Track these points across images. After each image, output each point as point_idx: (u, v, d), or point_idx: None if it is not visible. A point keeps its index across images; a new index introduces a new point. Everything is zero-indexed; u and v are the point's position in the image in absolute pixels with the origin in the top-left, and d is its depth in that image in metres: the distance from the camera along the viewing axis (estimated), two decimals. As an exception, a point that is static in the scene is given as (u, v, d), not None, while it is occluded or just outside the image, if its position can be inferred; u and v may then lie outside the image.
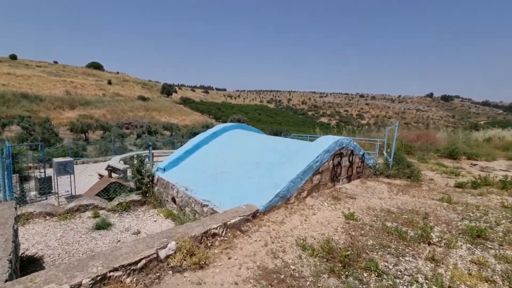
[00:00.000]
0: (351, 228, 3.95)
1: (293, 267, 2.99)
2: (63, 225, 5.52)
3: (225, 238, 3.60)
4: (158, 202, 6.63)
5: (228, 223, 3.74)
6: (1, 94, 41.66)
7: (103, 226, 5.39)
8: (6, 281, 2.42)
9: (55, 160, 8.06)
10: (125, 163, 12.96)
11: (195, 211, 5.48)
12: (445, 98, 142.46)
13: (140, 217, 6.13)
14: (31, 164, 11.78)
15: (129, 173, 9.38)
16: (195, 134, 36.90)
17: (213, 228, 3.55)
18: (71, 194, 8.60)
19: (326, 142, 5.68)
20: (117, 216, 6.05)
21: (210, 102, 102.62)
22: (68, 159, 8.32)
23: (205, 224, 3.59)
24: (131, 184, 6.96)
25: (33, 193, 8.74)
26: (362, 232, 3.86)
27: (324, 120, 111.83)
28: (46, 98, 48.73)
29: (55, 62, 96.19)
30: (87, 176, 12.06)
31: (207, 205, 5.21)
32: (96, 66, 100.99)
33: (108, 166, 11.40)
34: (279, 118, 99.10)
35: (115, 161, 11.68)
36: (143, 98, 72.58)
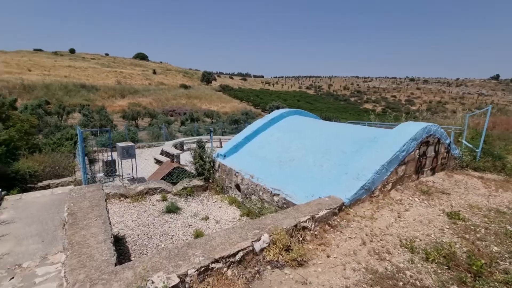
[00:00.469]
0: (462, 230, 3.37)
1: (409, 273, 2.58)
2: (136, 207, 5.77)
3: (315, 233, 3.30)
4: (220, 188, 6.64)
5: (316, 216, 3.43)
6: (64, 84, 46.38)
7: (172, 209, 5.52)
8: (115, 264, 2.42)
9: (119, 144, 8.49)
10: (175, 148, 13.45)
11: (263, 199, 5.29)
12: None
13: (205, 202, 6.18)
14: (95, 148, 12.83)
15: (189, 158, 9.62)
16: (235, 121, 37.21)
17: (303, 221, 3.26)
18: (133, 176, 9.09)
19: (412, 129, 5.00)
20: (183, 200, 6.17)
21: (248, 89, 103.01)
22: (130, 143, 8.72)
23: (294, 216, 3.33)
24: (192, 169, 7.07)
25: (99, 174, 9.44)
26: (478, 236, 3.27)
27: (368, 106, 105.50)
28: (100, 88, 53.11)
29: (106, 54, 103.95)
30: (144, 160, 12.78)
31: (278, 194, 4.97)
32: (142, 56, 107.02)
33: (162, 151, 11.88)
34: (319, 104, 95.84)
35: (168, 146, 12.11)
36: (185, 87, 75.41)
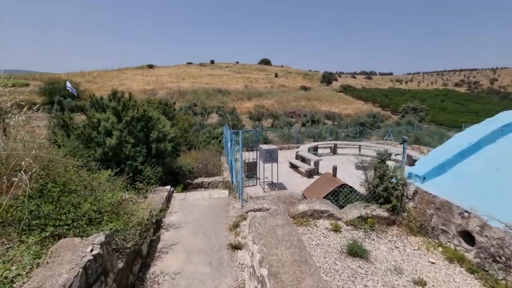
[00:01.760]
0: None
1: None
2: (303, 234, 4.44)
3: None
4: (418, 226, 4.58)
5: None
6: (206, 90, 55.68)
7: (358, 252, 3.82)
8: None
9: (263, 147, 8.32)
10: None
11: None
12: None
13: (400, 247, 4.18)
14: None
15: (326, 164, 8.50)
16: (361, 124, 33.52)
17: None
18: (272, 181, 8.79)
19: None
20: (363, 236, 4.40)
21: (374, 89, 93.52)
22: (273, 147, 8.43)
23: None
24: (363, 190, 5.41)
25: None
26: None
27: (561, 107, 74.47)
28: (232, 92, 60.64)
29: (237, 62, 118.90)
30: (278, 163, 12.74)
31: None
32: (266, 62, 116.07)
33: (297, 155, 11.32)
34: (474, 105, 75.56)
35: (304, 150, 11.42)
36: (304, 88, 76.07)
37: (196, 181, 7.27)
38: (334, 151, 13.31)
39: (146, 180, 4.76)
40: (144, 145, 6.13)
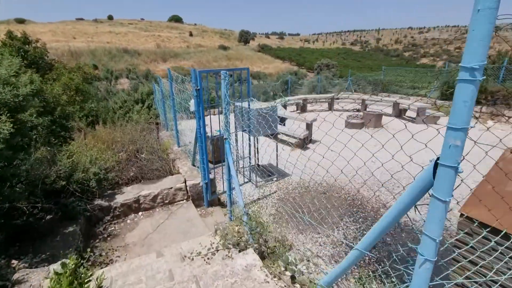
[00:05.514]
0: None
1: None
2: None
3: None
4: None
5: None
6: (107, 50, 44.12)
7: None
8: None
9: (255, 105, 4.48)
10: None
11: None
12: None
13: None
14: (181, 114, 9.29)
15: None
16: (286, 82, 31.93)
17: None
18: (257, 164, 5.21)
19: None
20: None
21: (288, 48, 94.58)
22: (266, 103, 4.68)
23: None
24: None
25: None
26: None
27: (425, 61, 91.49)
28: (142, 52, 50.35)
29: (142, 19, 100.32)
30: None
31: None
32: (177, 19, 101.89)
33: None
34: (368, 62, 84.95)
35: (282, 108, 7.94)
36: (223, 48, 70.22)
37: (120, 198, 3.09)
38: (302, 108, 10.35)
39: None
40: None
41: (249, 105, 3.91)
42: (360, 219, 3.66)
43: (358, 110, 10.70)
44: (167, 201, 3.28)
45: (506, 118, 8.20)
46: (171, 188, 3.29)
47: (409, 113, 9.45)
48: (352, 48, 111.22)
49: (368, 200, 4.19)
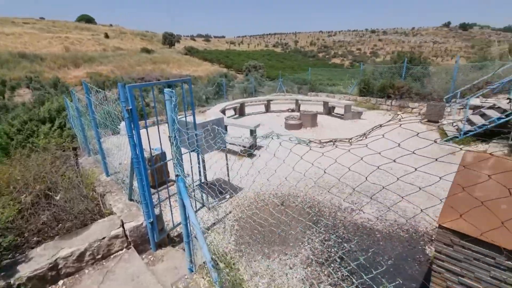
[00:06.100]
0: None
1: None
2: None
3: None
4: None
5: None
6: (-4, 54, 35.47)
7: None
8: None
9: (212, 118, 3.90)
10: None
11: None
12: (464, 27, 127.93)
13: None
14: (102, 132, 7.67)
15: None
16: (216, 84, 31.54)
17: None
18: (205, 181, 4.68)
19: None
20: None
21: (215, 50, 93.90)
22: (220, 115, 4.20)
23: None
24: None
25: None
26: None
27: (336, 61, 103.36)
28: (46, 57, 42.39)
29: (42, 18, 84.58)
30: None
31: None
32: (88, 19, 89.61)
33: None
34: (289, 62, 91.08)
35: (216, 115, 7.45)
36: (147, 51, 65.07)
37: (26, 269, 2.15)
38: (241, 112, 10.02)
39: None
40: None
41: (194, 119, 3.34)
42: (322, 229, 3.53)
43: (293, 110, 11.02)
44: (99, 256, 2.47)
45: (411, 109, 9.62)
46: (104, 238, 2.49)
47: (337, 110, 10.19)
48: (275, 49, 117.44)
49: (324, 205, 4.13)
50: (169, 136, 2.15)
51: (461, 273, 1.80)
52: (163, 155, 4.65)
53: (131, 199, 3.32)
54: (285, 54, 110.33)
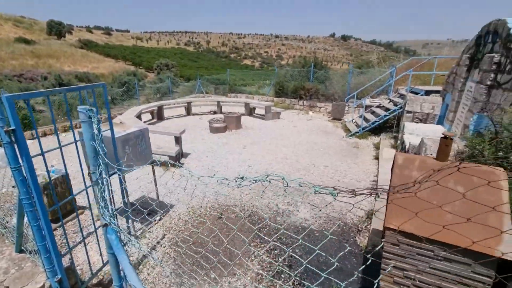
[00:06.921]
0: None
1: None
2: None
3: None
4: None
5: None
6: None
7: None
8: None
9: (123, 133, 3.07)
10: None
11: None
12: (344, 38, 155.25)
13: None
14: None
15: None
16: (124, 83, 27.94)
17: None
18: (125, 201, 3.91)
19: None
20: None
21: (119, 46, 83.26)
22: (143, 125, 3.47)
23: None
24: None
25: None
26: None
27: (247, 62, 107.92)
28: None
29: None
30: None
31: None
32: None
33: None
34: (203, 62, 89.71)
35: (130, 119, 6.38)
36: (26, 41, 51.64)
37: None
38: (159, 116, 8.92)
39: None
40: None
41: (112, 131, 2.61)
42: (265, 237, 3.40)
43: (215, 112, 10.67)
44: None
45: (319, 108, 10.79)
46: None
47: (258, 111, 10.44)
48: (187, 48, 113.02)
49: (263, 211, 4.04)
50: (89, 173, 1.53)
51: (406, 268, 1.96)
52: (63, 177, 3.58)
53: (20, 251, 2.34)
54: (198, 53, 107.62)
